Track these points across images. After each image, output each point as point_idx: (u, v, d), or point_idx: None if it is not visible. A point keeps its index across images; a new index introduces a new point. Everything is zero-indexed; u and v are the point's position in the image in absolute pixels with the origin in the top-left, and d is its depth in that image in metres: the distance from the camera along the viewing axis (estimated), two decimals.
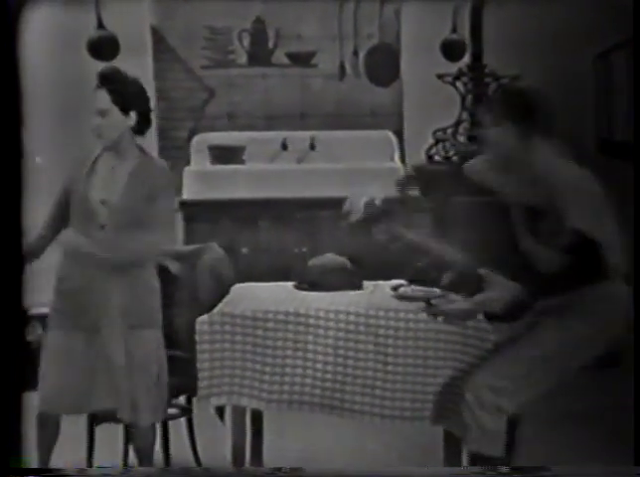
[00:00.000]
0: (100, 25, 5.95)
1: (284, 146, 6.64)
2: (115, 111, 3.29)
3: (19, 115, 2.76)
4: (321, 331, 3.12)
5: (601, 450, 3.47)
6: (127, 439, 3.77)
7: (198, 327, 3.15)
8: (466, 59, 5.94)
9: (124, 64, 6.16)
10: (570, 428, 3.20)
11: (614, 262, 3.01)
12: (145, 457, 3.45)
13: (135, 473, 3.21)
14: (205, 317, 3.14)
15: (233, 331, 3.13)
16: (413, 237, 3.25)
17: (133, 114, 3.32)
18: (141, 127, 3.37)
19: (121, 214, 3.29)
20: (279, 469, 2.95)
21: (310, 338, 3.12)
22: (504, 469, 2.95)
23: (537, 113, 3.06)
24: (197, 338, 3.13)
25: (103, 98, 3.28)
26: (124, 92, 3.30)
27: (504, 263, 3.19)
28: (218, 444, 3.39)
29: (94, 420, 3.67)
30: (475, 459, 3.05)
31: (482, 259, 3.28)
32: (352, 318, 3.12)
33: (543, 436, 3.76)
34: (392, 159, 6.66)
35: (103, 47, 5.89)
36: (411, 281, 3.36)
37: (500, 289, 3.01)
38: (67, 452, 3.59)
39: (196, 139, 6.36)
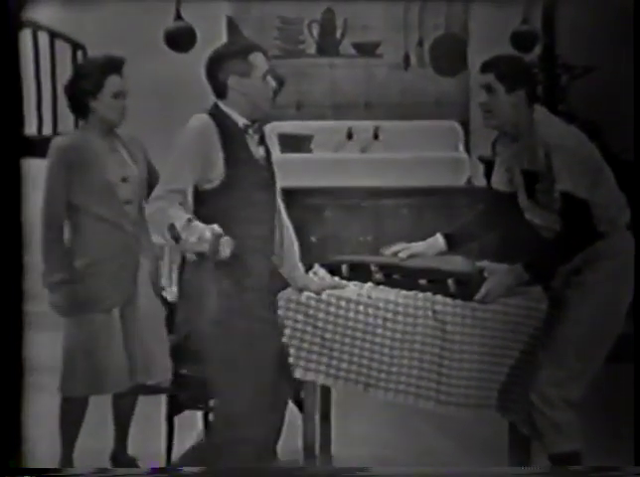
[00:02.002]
0: (179, 16, 6.06)
1: (349, 135, 6.70)
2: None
3: (19, 115, 2.80)
4: (390, 315, 3.15)
5: (601, 449, 3.47)
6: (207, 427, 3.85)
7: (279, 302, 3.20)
8: (537, 50, 5.93)
9: (200, 55, 6.32)
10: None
11: (609, 217, 3.09)
12: (123, 424, 3.58)
13: (137, 473, 3.25)
14: (284, 294, 3.20)
15: (306, 307, 3.18)
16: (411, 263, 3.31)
17: None
18: None
19: (142, 187, 3.45)
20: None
21: (379, 321, 3.17)
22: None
23: (536, 80, 3.21)
24: (279, 312, 3.19)
25: (119, 82, 3.41)
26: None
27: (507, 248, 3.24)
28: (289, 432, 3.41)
29: (174, 408, 3.69)
30: (556, 459, 3.08)
31: (482, 252, 3.34)
32: (420, 304, 3.18)
33: None
34: (456, 149, 6.67)
35: (181, 38, 6.00)
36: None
37: (500, 276, 3.11)
38: (143, 440, 3.68)
39: (267, 128, 6.45)
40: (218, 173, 2.90)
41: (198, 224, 2.83)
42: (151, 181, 3.46)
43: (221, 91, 2.98)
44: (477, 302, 3.14)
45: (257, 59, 2.97)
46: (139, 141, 3.55)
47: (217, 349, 2.93)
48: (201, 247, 2.82)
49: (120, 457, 3.61)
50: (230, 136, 2.92)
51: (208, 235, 2.81)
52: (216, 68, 2.97)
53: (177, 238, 2.83)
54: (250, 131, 2.98)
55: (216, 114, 2.94)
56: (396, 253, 3.35)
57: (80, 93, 3.42)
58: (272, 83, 2.99)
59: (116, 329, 3.41)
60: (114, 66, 3.43)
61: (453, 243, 3.37)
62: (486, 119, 3.14)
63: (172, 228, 2.83)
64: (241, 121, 2.96)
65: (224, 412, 2.97)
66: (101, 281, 3.40)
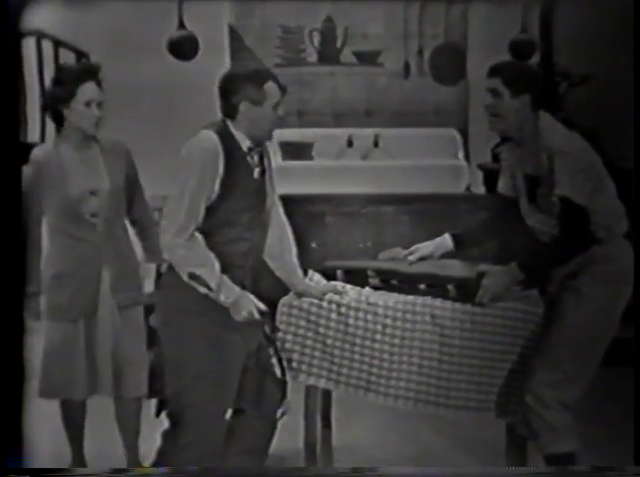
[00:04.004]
0: (182, 25, 6.11)
1: (350, 143, 6.75)
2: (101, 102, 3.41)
3: (19, 115, 2.81)
4: (389, 321, 3.21)
5: (601, 449, 3.50)
6: None
7: (279, 307, 3.25)
8: (535, 58, 5.98)
9: (203, 63, 6.41)
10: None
11: (607, 224, 3.14)
12: (130, 432, 3.56)
13: (135, 473, 3.24)
14: (286, 299, 3.25)
15: (308, 313, 3.23)
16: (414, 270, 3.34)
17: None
18: None
19: (113, 199, 3.43)
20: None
21: (379, 328, 3.21)
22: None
23: (542, 86, 3.25)
24: (277, 318, 3.23)
25: (93, 90, 3.36)
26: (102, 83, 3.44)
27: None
28: (291, 433, 3.45)
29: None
30: (552, 459, 3.13)
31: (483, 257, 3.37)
32: (418, 309, 3.23)
33: None
34: (456, 157, 6.73)
35: (184, 46, 6.05)
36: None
37: (496, 276, 3.16)
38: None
39: None
40: (215, 192, 2.92)
41: (234, 287, 2.91)
42: (130, 191, 3.50)
43: (230, 113, 2.96)
44: (476, 304, 3.19)
45: (272, 89, 2.94)
46: (123, 148, 3.50)
47: (185, 354, 2.98)
48: (229, 306, 2.91)
49: (133, 464, 3.61)
50: (232, 158, 2.93)
51: (255, 314, 2.93)
52: (230, 88, 2.95)
53: (204, 286, 2.90)
54: (252, 153, 2.98)
55: (223, 133, 2.93)
56: (405, 256, 3.39)
57: (54, 101, 3.38)
58: (280, 113, 2.98)
59: (80, 340, 3.43)
60: (89, 73, 3.38)
61: (461, 244, 3.40)
62: (491, 123, 3.19)
63: (195, 277, 2.89)
64: (245, 144, 2.96)
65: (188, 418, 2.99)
66: (66, 292, 3.43)
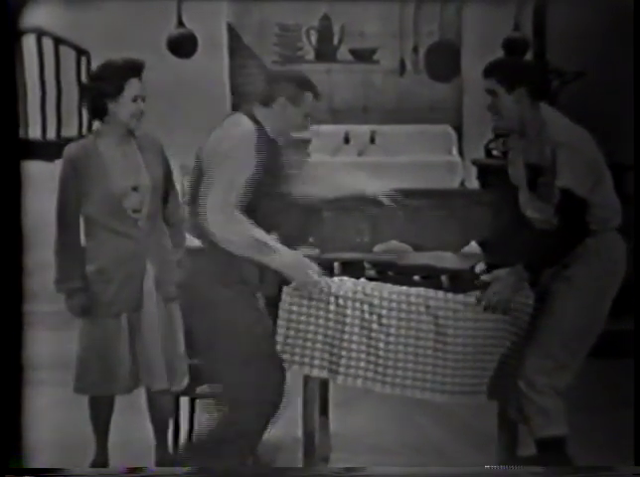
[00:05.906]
0: (180, 23, 6.20)
1: (347, 139, 6.83)
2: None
3: (20, 118, 2.91)
4: (384, 312, 3.25)
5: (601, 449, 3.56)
6: None
7: (283, 296, 3.32)
8: (528, 56, 6.04)
9: (202, 61, 6.47)
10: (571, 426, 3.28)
11: (604, 217, 3.19)
12: (163, 424, 3.58)
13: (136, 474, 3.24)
14: (290, 287, 3.32)
15: (308, 304, 3.30)
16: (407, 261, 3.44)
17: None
18: None
19: (154, 195, 3.48)
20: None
21: (374, 318, 3.27)
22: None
23: (540, 78, 3.30)
24: (280, 306, 3.30)
25: (137, 86, 3.42)
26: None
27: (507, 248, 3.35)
28: (289, 422, 3.46)
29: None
30: (543, 443, 3.19)
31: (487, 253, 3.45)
32: (413, 300, 3.30)
33: None
34: (450, 153, 6.81)
35: (183, 44, 6.13)
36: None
37: (505, 278, 3.19)
38: None
39: None
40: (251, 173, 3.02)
41: (288, 249, 3.01)
42: (165, 186, 3.54)
43: (267, 101, 3.07)
44: (486, 308, 3.24)
45: (309, 99, 3.06)
46: (159, 144, 3.57)
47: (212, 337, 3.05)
48: (287, 269, 3.03)
49: (162, 456, 3.63)
50: (262, 145, 3.02)
51: (316, 275, 3.06)
52: (275, 78, 3.12)
53: (265, 250, 2.99)
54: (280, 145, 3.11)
55: (255, 120, 3.05)
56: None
57: (100, 96, 3.43)
58: (306, 125, 3.08)
59: (124, 334, 3.47)
60: (135, 69, 3.44)
61: (488, 249, 3.45)
62: (494, 121, 3.22)
63: (256, 242, 2.96)
64: (271, 134, 3.08)
65: (226, 400, 3.07)
66: (110, 287, 3.45)
